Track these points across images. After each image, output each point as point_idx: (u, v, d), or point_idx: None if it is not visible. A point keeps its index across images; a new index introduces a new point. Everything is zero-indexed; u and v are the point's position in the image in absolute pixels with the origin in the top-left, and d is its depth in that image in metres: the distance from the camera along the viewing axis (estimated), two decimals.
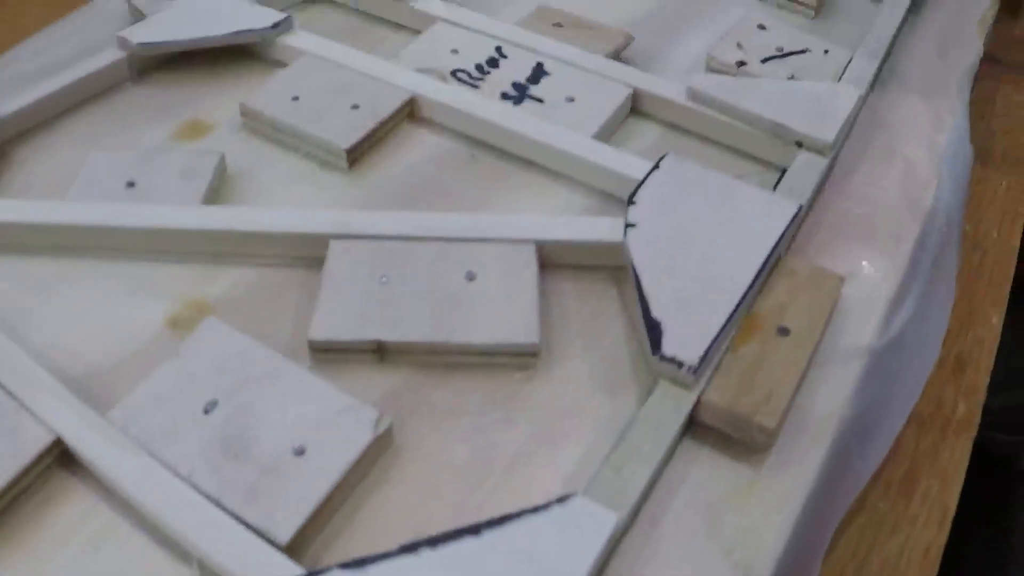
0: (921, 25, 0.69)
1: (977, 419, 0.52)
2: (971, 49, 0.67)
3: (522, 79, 0.56)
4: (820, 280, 0.47)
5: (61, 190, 0.50)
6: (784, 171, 0.53)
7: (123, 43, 0.58)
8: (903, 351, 0.48)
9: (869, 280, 0.49)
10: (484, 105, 0.54)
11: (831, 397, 0.43)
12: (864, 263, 0.50)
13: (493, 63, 0.58)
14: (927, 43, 0.67)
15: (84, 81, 0.57)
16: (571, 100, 0.55)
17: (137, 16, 0.62)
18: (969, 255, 0.58)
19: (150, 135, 0.55)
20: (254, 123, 0.55)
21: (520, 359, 0.43)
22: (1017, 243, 0.59)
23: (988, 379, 0.53)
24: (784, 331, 0.44)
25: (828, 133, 0.52)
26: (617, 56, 0.60)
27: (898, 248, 0.51)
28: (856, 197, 0.54)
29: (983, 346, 0.54)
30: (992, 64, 0.69)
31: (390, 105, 0.54)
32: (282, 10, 0.62)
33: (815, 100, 0.54)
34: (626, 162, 0.51)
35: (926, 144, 0.57)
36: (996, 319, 0.56)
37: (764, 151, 0.54)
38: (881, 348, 0.47)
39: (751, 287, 0.44)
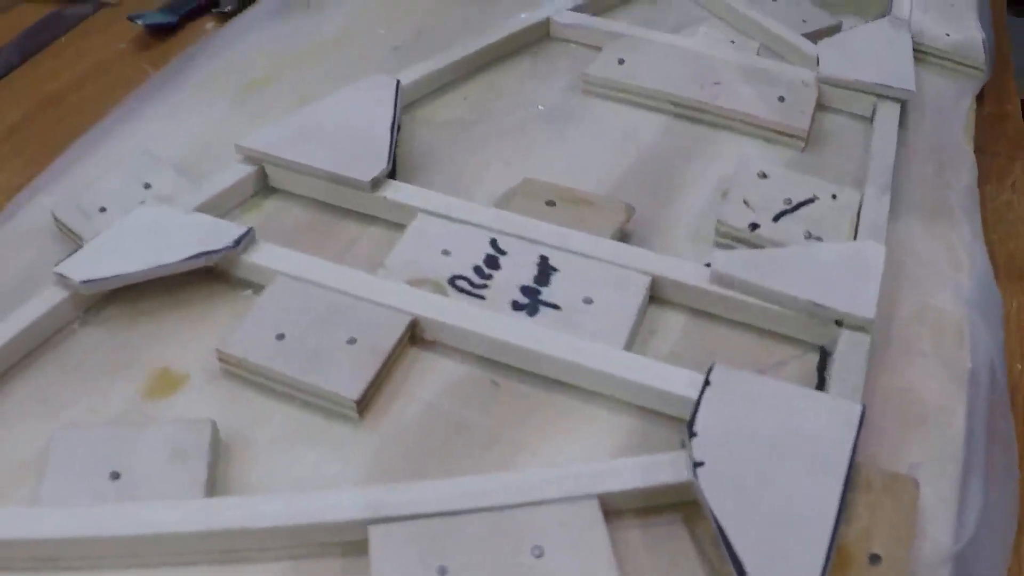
0: (910, 139, 0.70)
1: None
2: (965, 162, 0.69)
3: (530, 280, 0.55)
4: (897, 489, 0.47)
5: (25, 481, 0.47)
6: (823, 350, 0.53)
7: (63, 281, 0.53)
8: (983, 544, 0.48)
9: (931, 470, 0.49)
10: (497, 322, 0.52)
11: None
12: (922, 451, 0.50)
13: (493, 263, 0.56)
14: (921, 160, 0.69)
15: (23, 335, 0.52)
16: (589, 302, 0.54)
17: (66, 234, 0.58)
18: None
19: (116, 395, 0.51)
20: (235, 369, 0.51)
21: None
22: None
23: None
24: (875, 559, 0.44)
25: (868, 309, 0.52)
26: (622, 234, 0.59)
27: (951, 424, 0.51)
28: (894, 367, 0.54)
29: None
30: (976, 155, 0.70)
31: (392, 334, 0.52)
32: (232, 209, 0.58)
33: (844, 268, 0.54)
34: (668, 376, 0.50)
35: (951, 288, 0.58)
36: None
37: (800, 332, 0.54)
38: (962, 550, 0.47)
39: (839, 518, 0.43)
